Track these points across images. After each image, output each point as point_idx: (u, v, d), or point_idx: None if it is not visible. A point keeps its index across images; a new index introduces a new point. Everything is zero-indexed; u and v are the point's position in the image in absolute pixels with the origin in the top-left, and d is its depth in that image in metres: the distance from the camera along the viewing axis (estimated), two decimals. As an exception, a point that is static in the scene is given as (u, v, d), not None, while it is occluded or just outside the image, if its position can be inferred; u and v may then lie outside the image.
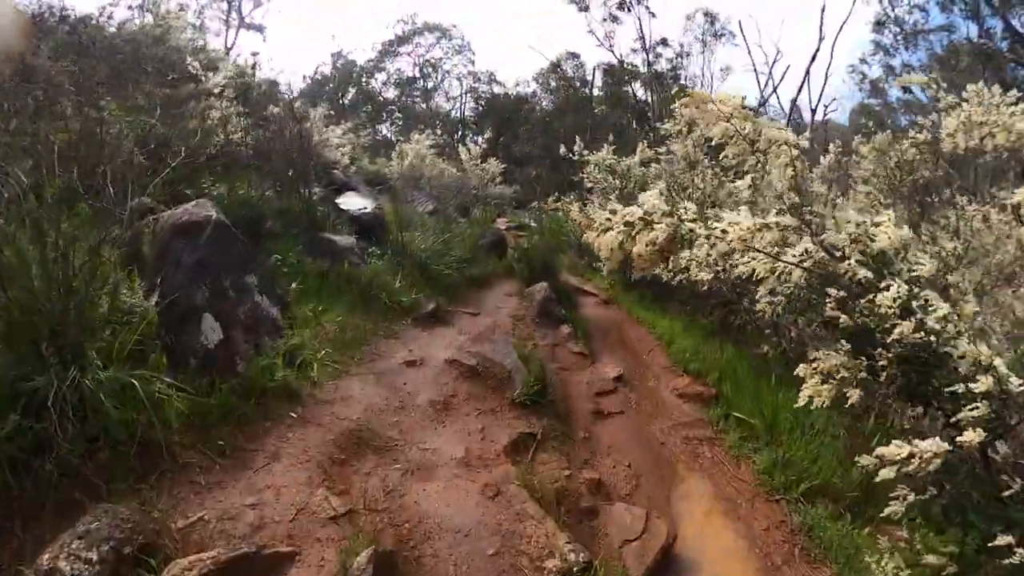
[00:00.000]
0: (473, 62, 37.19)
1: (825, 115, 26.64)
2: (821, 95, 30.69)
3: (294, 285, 5.42)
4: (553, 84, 30.40)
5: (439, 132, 15.50)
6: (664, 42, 26.45)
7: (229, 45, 29.65)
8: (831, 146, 7.51)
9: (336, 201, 8.75)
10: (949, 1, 20.88)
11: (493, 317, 7.05)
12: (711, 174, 7.63)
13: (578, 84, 29.89)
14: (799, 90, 22.71)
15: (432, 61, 38.40)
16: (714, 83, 25.89)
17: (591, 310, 8.57)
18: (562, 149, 11.90)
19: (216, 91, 9.07)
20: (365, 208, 8.44)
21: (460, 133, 39.64)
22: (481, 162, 15.95)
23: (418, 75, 38.69)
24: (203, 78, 9.18)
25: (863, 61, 27.74)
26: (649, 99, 25.09)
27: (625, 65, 26.35)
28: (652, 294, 9.22)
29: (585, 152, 11.52)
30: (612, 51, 26.15)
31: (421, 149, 14.26)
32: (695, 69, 26.88)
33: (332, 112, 18.53)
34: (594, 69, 29.30)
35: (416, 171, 14.27)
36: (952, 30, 21.40)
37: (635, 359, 6.69)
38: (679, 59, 26.16)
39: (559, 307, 7.14)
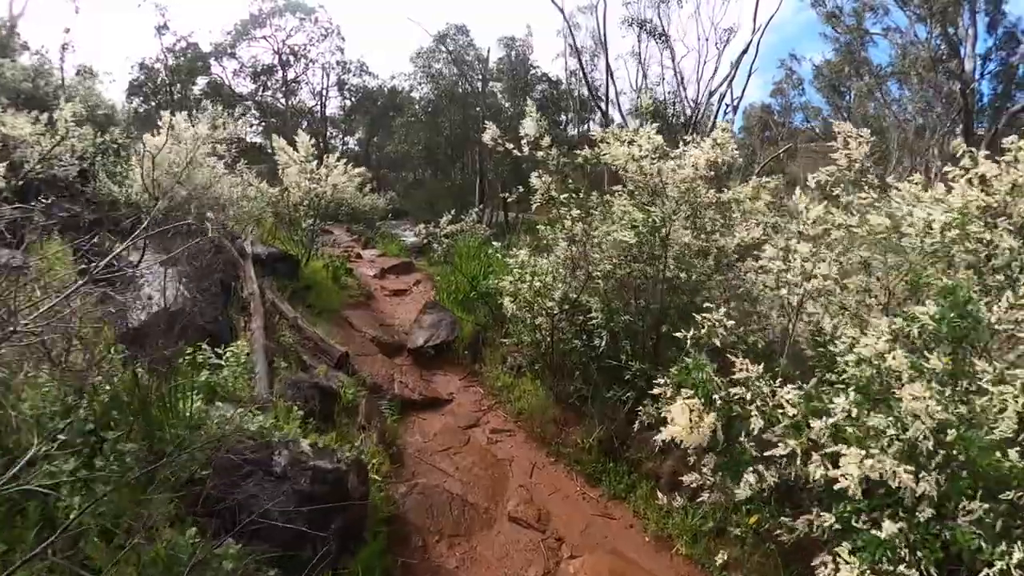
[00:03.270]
0: (343, 50, 29.08)
1: (732, 114, 20.60)
2: (743, 93, 25.28)
3: None
4: (436, 67, 22.29)
5: (223, 117, 6.86)
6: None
7: (16, 13, 19.29)
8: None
9: None
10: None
11: None
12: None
13: (474, 61, 21.91)
14: (729, 85, 16.45)
15: (294, 48, 29.04)
16: (708, 48, 17.20)
17: None
18: (487, 135, 4.35)
19: None
20: None
21: (327, 133, 31.11)
22: (319, 164, 7.98)
23: (277, 64, 29.56)
24: None
25: (793, 56, 23.24)
26: (603, 76, 16.78)
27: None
28: None
29: (544, 141, 4.02)
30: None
31: (182, 149, 6.16)
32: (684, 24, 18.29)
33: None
34: (488, 50, 21.61)
35: (170, 192, 6.18)
36: (896, 30, 17.28)
37: None
38: (661, 5, 17.13)
39: None
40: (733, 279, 4.21)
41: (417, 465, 4.15)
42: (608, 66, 16.17)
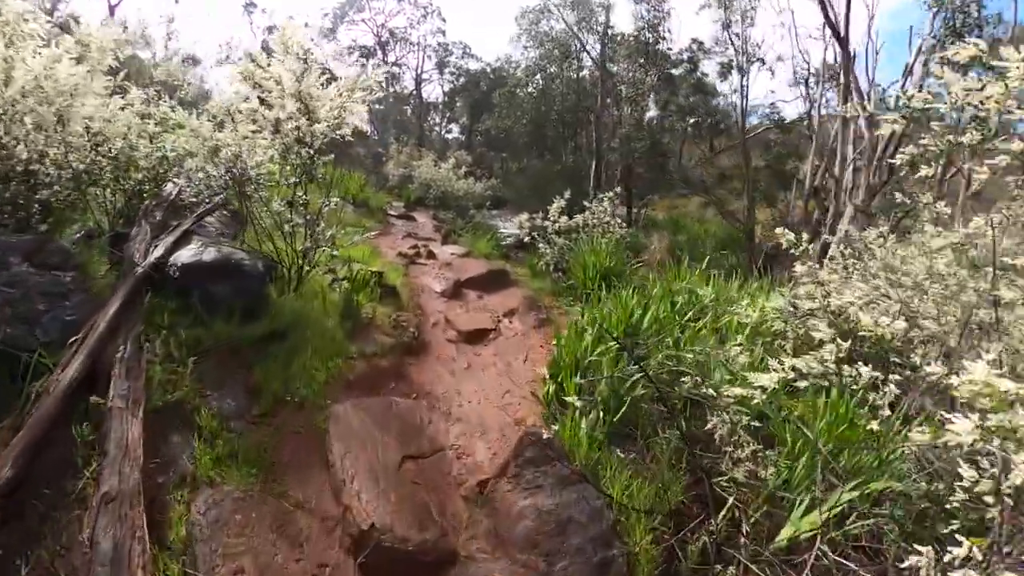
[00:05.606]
0: (444, 31, 25.66)
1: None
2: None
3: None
4: (546, 25, 17.62)
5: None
6: None
7: (114, 3, 17.66)
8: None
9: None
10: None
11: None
12: None
13: (596, 8, 16.76)
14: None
15: (393, 30, 26.40)
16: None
17: None
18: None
19: None
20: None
21: (429, 118, 28.02)
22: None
23: (376, 46, 27.30)
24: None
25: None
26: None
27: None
28: None
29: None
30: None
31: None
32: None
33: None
34: (609, 3, 16.49)
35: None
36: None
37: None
38: None
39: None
40: None
41: None
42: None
